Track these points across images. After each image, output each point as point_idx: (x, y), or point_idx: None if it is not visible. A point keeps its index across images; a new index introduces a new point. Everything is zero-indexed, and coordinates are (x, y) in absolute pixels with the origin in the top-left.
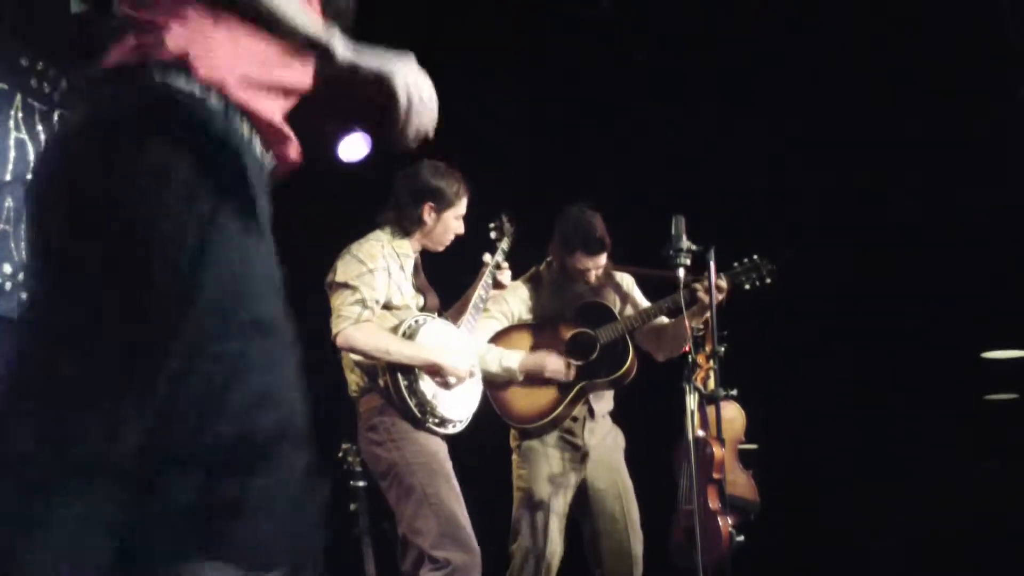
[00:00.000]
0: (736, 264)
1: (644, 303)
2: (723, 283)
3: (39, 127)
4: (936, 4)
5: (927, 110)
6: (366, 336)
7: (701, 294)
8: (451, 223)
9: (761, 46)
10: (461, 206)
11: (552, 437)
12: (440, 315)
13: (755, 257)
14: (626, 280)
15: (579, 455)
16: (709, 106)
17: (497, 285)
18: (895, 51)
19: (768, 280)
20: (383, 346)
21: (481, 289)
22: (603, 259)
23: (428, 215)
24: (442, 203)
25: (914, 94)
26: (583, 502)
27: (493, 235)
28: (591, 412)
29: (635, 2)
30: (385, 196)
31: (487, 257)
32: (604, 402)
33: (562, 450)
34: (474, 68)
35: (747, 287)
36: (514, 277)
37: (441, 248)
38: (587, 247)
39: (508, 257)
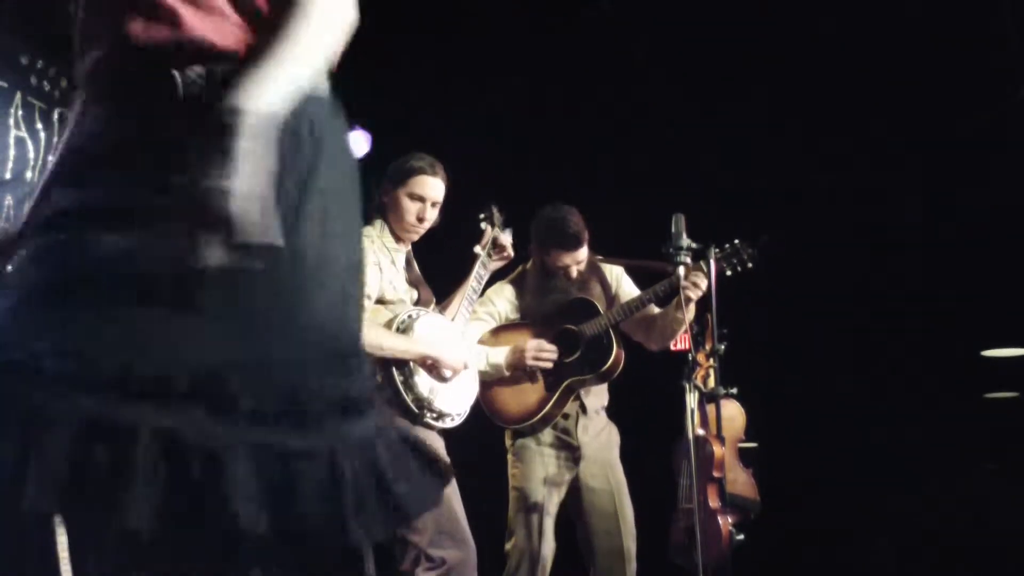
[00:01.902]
0: (716, 250)
1: (634, 293)
2: (702, 273)
3: (39, 125)
4: (936, 4)
5: (927, 110)
6: None
7: (683, 285)
8: (404, 202)
9: (762, 46)
10: (415, 184)
11: (546, 435)
12: (436, 309)
13: (736, 242)
14: (615, 272)
15: (574, 454)
16: (709, 105)
17: (500, 248)
18: (896, 51)
19: (749, 264)
20: (376, 341)
21: (474, 280)
22: (581, 253)
23: (386, 196)
24: (393, 181)
25: (914, 94)
26: (576, 500)
27: (483, 226)
28: (583, 408)
29: (635, 1)
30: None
31: (478, 248)
32: (596, 397)
33: (557, 449)
34: (474, 67)
35: (728, 272)
36: (503, 276)
37: (410, 234)
38: (562, 244)
39: (499, 245)
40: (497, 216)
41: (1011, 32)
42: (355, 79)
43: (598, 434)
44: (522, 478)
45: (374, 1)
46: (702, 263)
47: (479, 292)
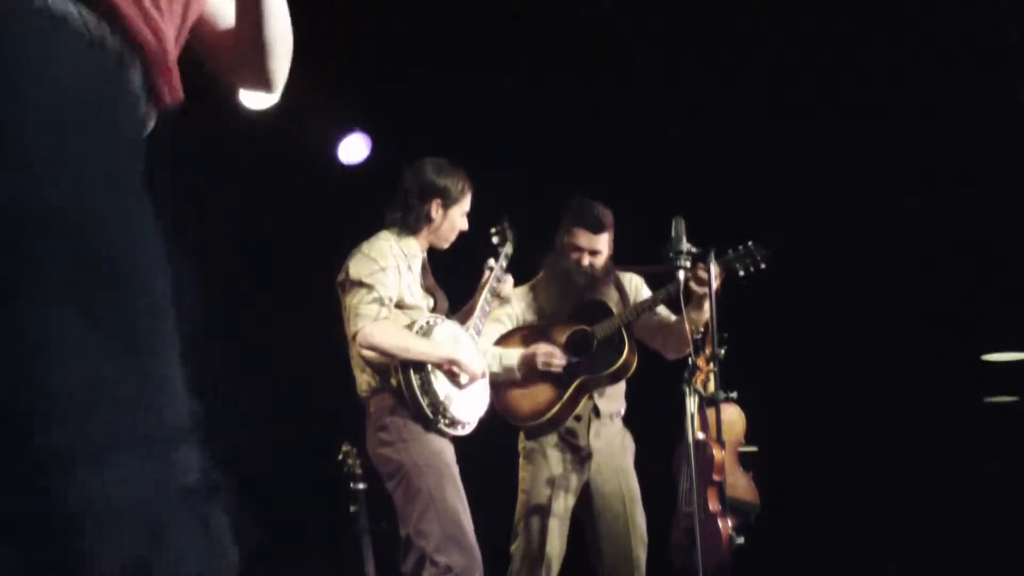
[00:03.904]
0: (730, 251)
1: None
2: (716, 270)
3: None
4: (937, 4)
5: (927, 109)
6: (385, 334)
7: (694, 286)
8: (457, 220)
9: (761, 46)
10: (466, 202)
11: (554, 438)
12: (454, 318)
13: (749, 243)
14: (634, 281)
15: (580, 456)
16: (709, 106)
17: (499, 296)
18: (896, 51)
19: (762, 265)
20: (402, 343)
21: (487, 292)
22: (599, 243)
23: (436, 212)
24: (448, 199)
25: (914, 94)
26: (588, 504)
27: (495, 240)
28: (596, 411)
29: (635, 1)
30: (385, 197)
31: (491, 262)
32: (611, 401)
33: (563, 451)
34: (474, 67)
35: (741, 273)
36: (516, 279)
37: (447, 245)
38: (583, 222)
39: (510, 260)
40: (509, 231)
41: (1011, 32)
42: (354, 83)
43: (611, 439)
44: (530, 480)
45: (373, 4)
46: (700, 265)
47: (492, 303)
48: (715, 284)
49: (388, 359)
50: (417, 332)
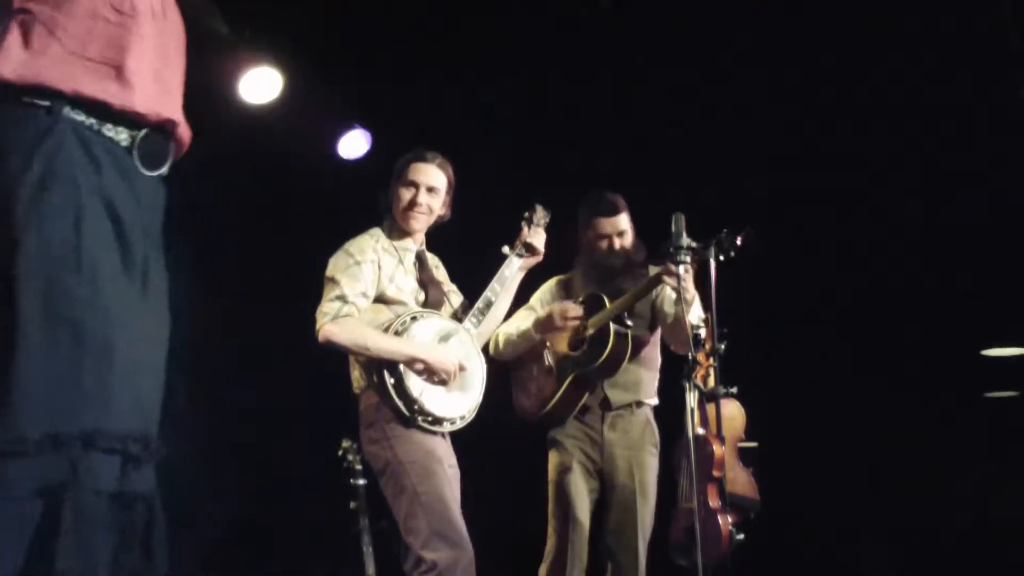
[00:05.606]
0: (700, 243)
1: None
2: (689, 262)
3: None
4: (937, 4)
5: (927, 109)
6: (344, 332)
7: (666, 279)
8: (399, 191)
9: (761, 45)
10: (408, 172)
11: (573, 428)
12: (463, 310)
13: (722, 232)
14: None
15: (596, 447)
16: (709, 105)
17: (530, 249)
18: (896, 51)
19: (732, 253)
20: (361, 342)
21: (495, 282)
22: (621, 223)
23: (390, 192)
24: (393, 176)
25: (914, 94)
26: (601, 493)
27: (523, 224)
28: (607, 403)
29: (635, 1)
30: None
31: (506, 249)
32: (624, 392)
33: (581, 441)
34: (474, 66)
35: (721, 258)
36: (520, 280)
37: (414, 225)
38: (600, 210)
39: (535, 243)
40: (541, 214)
41: (1011, 32)
42: (354, 79)
43: (628, 431)
44: (551, 469)
45: (376, 1)
46: (680, 264)
47: (498, 292)
48: (682, 272)
49: (355, 356)
50: (395, 328)
